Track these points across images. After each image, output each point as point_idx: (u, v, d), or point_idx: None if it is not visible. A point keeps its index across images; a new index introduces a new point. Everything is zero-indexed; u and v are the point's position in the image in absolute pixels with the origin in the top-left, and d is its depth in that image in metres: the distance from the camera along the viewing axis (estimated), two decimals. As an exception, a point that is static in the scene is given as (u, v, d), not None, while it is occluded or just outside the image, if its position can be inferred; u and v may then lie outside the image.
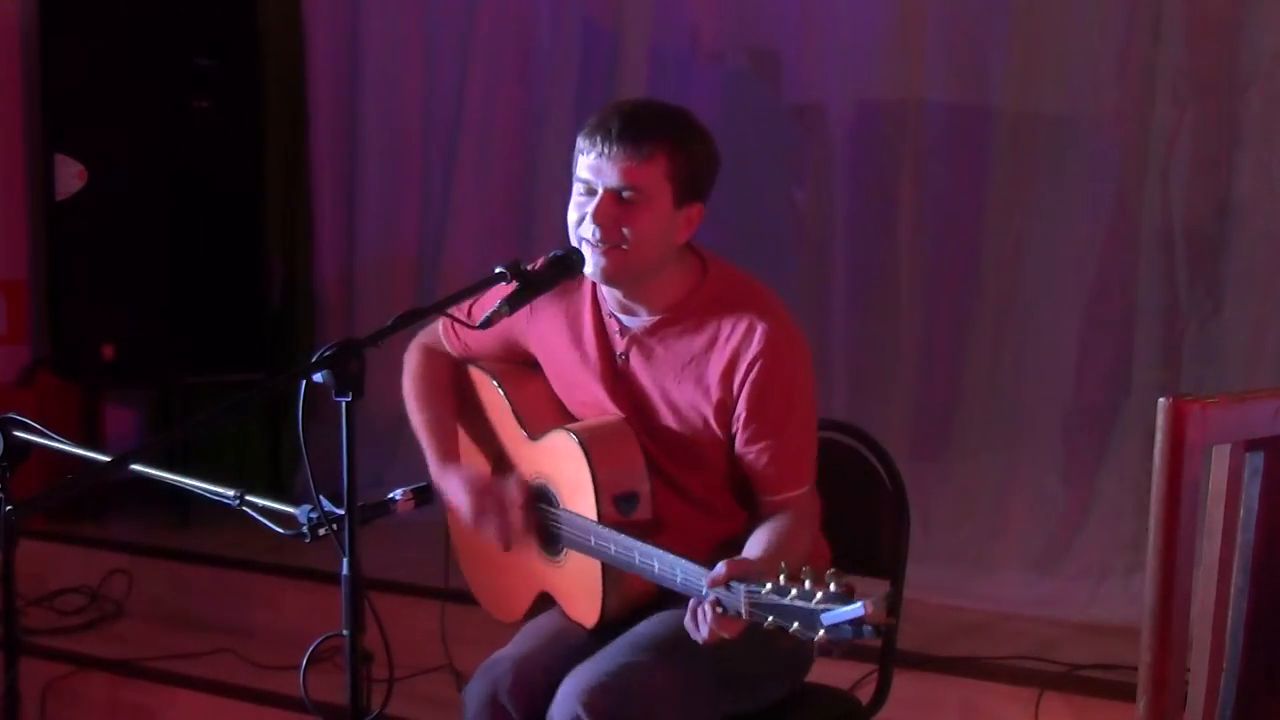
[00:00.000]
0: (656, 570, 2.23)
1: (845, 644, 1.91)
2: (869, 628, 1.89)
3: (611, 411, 2.45)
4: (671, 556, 2.21)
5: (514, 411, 2.54)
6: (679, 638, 2.23)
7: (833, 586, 1.93)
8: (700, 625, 2.14)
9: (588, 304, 2.46)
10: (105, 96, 4.87)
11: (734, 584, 2.06)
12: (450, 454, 2.58)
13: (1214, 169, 3.83)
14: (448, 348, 2.64)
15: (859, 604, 1.88)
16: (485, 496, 2.49)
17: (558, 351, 2.50)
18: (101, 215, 4.90)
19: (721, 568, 2.09)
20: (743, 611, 2.04)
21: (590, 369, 2.46)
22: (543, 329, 2.51)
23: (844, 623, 1.90)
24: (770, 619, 1.99)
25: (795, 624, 1.96)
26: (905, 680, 2.70)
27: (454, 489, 2.52)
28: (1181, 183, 3.83)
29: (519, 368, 2.59)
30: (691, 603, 2.17)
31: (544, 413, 2.52)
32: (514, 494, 2.48)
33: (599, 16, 4.77)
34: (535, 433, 2.51)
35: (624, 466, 2.40)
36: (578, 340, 2.47)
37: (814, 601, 1.93)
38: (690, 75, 4.78)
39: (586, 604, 2.44)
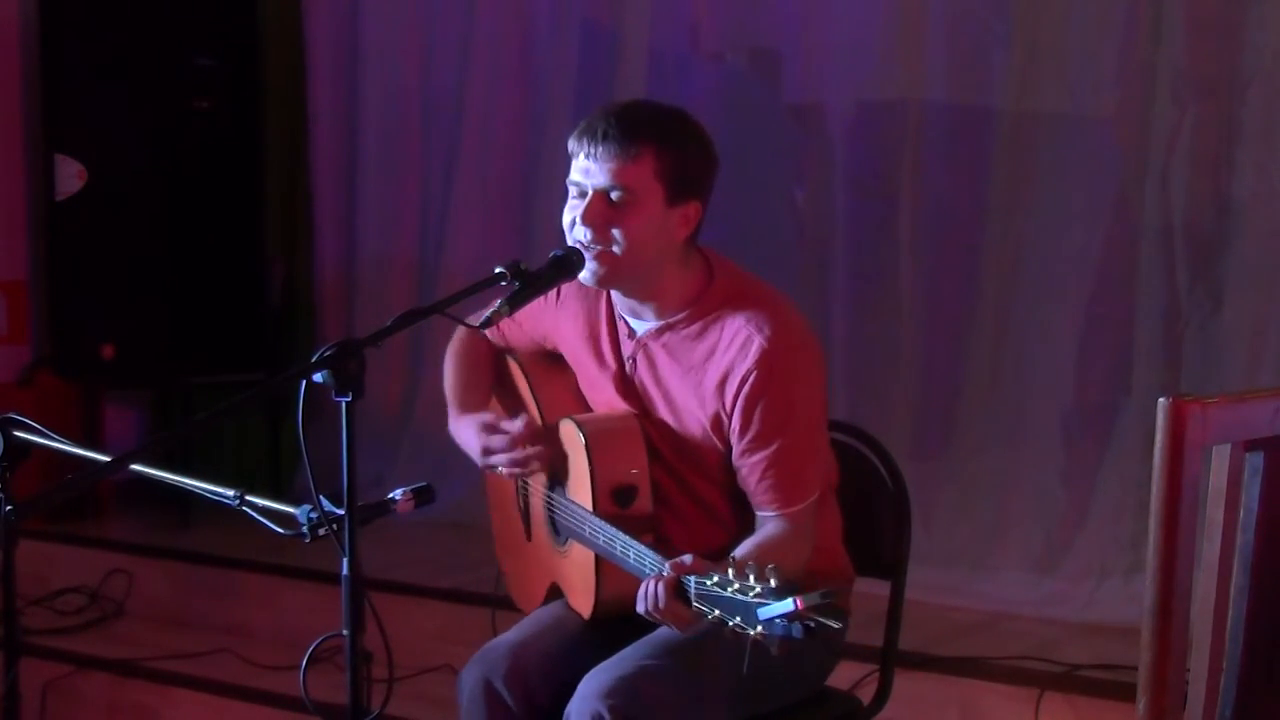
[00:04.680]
0: (632, 561, 2.23)
1: (778, 641, 1.87)
2: (798, 625, 1.85)
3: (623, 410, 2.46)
4: (645, 549, 2.19)
5: (535, 400, 2.57)
6: (700, 643, 2.23)
7: (773, 581, 1.89)
8: (647, 597, 2.10)
9: (604, 305, 2.47)
10: (105, 96, 4.86)
11: (685, 577, 2.04)
12: (468, 406, 2.61)
13: (1214, 169, 3.83)
14: (488, 335, 2.65)
15: (790, 600, 1.84)
16: (492, 434, 2.50)
17: (579, 351, 2.51)
18: (101, 215, 4.89)
19: (687, 559, 2.06)
20: (691, 601, 2.02)
21: (605, 370, 2.47)
22: (567, 328, 2.52)
23: (777, 618, 1.86)
24: (715, 612, 1.96)
25: (737, 618, 1.92)
26: (905, 680, 2.70)
27: (465, 432, 2.55)
28: (1181, 183, 3.82)
29: (551, 361, 2.61)
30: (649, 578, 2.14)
31: (563, 404, 2.54)
32: (521, 429, 2.47)
33: (599, 16, 4.77)
34: (550, 421, 2.53)
35: (624, 460, 2.40)
36: (596, 341, 2.48)
37: (752, 595, 1.90)
38: (690, 75, 4.78)
39: (583, 594, 2.45)
